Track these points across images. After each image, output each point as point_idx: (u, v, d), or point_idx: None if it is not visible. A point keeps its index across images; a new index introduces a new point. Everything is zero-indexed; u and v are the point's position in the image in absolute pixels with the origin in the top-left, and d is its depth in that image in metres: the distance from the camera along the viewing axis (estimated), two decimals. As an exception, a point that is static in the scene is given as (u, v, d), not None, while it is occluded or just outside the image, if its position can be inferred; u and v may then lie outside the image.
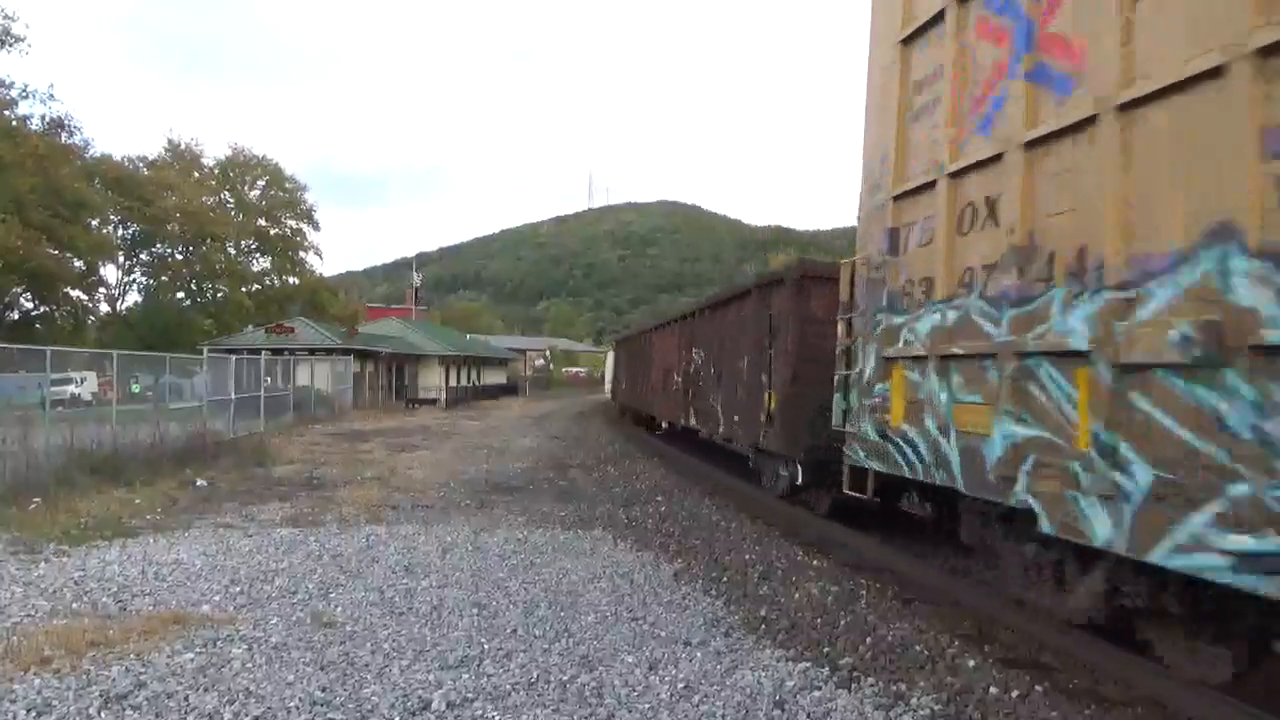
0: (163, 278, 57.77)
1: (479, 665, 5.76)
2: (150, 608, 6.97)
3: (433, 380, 49.55)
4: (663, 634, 6.57)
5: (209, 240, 57.42)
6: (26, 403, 15.87)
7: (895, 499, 9.57)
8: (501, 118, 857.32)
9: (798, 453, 10.84)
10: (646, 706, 5.10)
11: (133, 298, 57.92)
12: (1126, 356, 4.77)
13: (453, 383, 52.53)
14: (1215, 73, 4.36)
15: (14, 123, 41.81)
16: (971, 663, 5.64)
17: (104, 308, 54.88)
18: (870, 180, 8.06)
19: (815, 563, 8.71)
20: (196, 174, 61.38)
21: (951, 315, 6.52)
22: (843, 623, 6.68)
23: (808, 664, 5.86)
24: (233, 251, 61.02)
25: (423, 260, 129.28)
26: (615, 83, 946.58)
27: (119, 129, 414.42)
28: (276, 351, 32.03)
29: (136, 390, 21.94)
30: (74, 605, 6.99)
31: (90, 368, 27.09)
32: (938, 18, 6.95)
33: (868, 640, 6.23)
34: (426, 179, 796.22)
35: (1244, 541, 4.03)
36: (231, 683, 5.30)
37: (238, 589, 7.61)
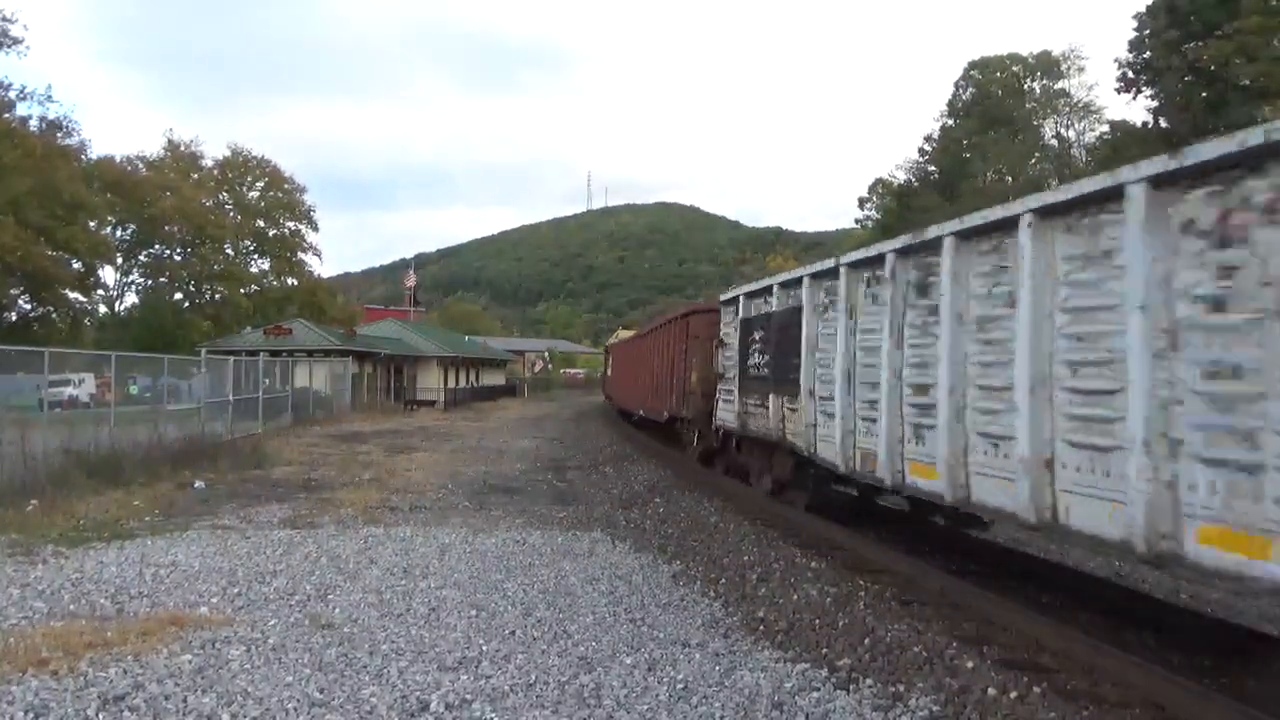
0: (161, 279, 57.73)
1: (477, 666, 5.76)
2: (148, 609, 6.96)
3: (431, 382, 49.48)
4: (661, 635, 6.58)
5: (207, 241, 57.41)
6: (24, 404, 15.87)
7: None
8: (500, 119, 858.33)
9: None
10: (645, 707, 5.09)
11: (130, 299, 57.97)
12: None
13: (451, 384, 52.47)
14: None
15: (13, 124, 41.76)
16: (970, 664, 5.63)
17: (102, 309, 54.92)
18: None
19: (813, 564, 8.70)
20: (195, 175, 61.36)
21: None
22: (841, 624, 6.67)
23: (806, 665, 5.87)
24: (231, 253, 60.99)
25: (422, 261, 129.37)
26: (614, 84, 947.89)
27: (118, 131, 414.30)
28: (275, 353, 31.99)
29: (134, 392, 21.95)
30: (71, 607, 6.98)
31: (88, 369, 27.05)
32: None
33: (866, 641, 6.23)
34: (426, 180, 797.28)
35: None
36: (230, 684, 5.30)
37: (236, 590, 7.61)
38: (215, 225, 57.61)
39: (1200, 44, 32.66)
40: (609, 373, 41.11)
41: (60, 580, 7.77)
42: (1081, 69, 56.33)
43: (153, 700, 5.00)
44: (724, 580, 8.31)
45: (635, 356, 26.44)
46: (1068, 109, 55.92)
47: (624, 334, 56.84)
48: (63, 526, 10.27)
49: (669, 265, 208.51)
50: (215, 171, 63.25)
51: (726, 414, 13.04)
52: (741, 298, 12.44)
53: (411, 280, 74.52)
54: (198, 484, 14.08)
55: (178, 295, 58.57)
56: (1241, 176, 4.25)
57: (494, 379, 65.61)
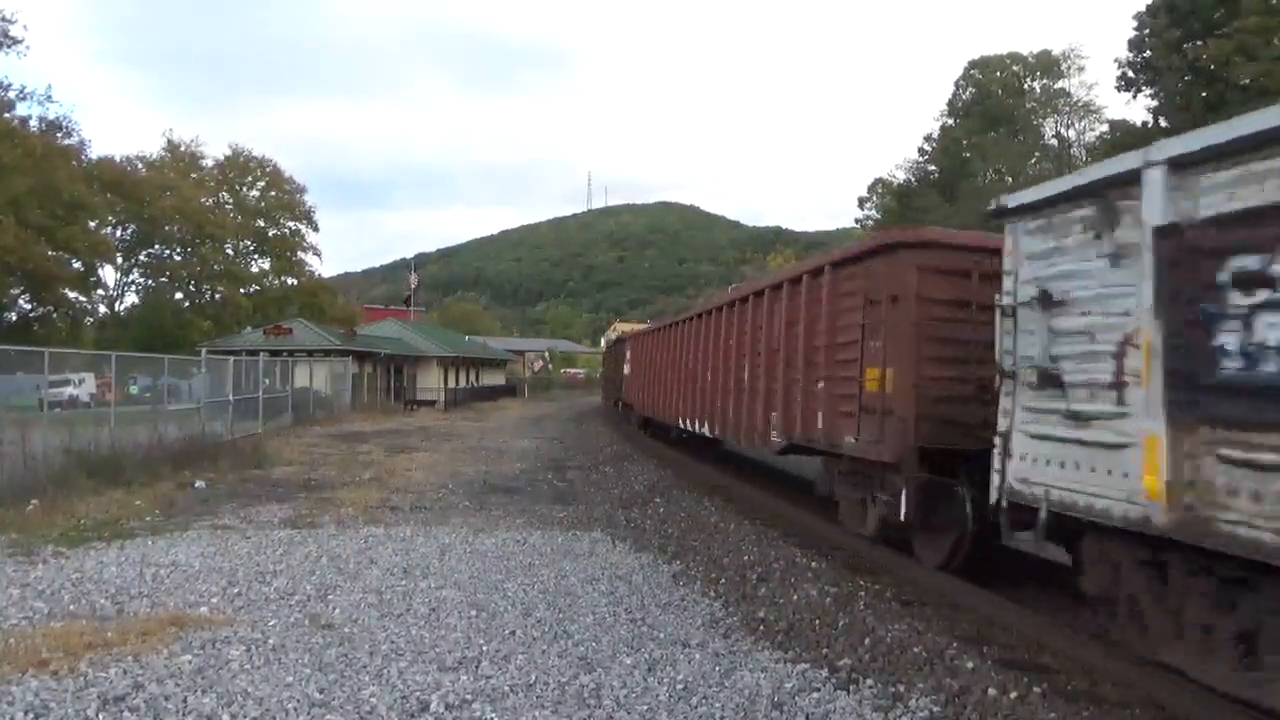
0: (161, 279, 57.72)
1: (477, 667, 5.76)
2: (148, 609, 6.96)
3: (431, 382, 49.48)
4: (661, 635, 6.57)
5: (207, 241, 57.43)
6: (24, 404, 15.87)
7: None
8: (500, 119, 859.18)
9: None
10: (645, 708, 5.09)
11: (131, 299, 57.96)
12: None
13: (451, 384, 52.47)
14: None
15: (13, 124, 41.75)
16: (970, 664, 5.64)
17: (102, 309, 54.91)
18: None
19: (813, 564, 8.70)
20: (195, 174, 61.38)
21: None
22: (841, 624, 6.68)
23: (806, 665, 5.86)
24: (231, 252, 61.00)
25: (421, 261, 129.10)
26: (614, 84, 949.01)
27: (118, 131, 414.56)
28: (275, 353, 31.99)
29: (135, 391, 21.95)
30: (71, 607, 6.98)
31: (88, 369, 27.06)
32: None
33: (866, 641, 6.23)
34: (426, 180, 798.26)
35: None
36: (230, 684, 5.29)
37: (236, 590, 7.60)
38: (215, 225, 57.62)
39: (1200, 43, 32.67)
40: (626, 372, 28.76)
41: (60, 580, 7.77)
42: (1081, 69, 56.37)
43: (153, 701, 5.00)
44: (724, 580, 8.31)
45: (692, 346, 16.97)
46: (1068, 109, 55.91)
47: (624, 327, 51.58)
48: (63, 526, 10.27)
49: (669, 265, 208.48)
50: (215, 171, 63.29)
51: (1084, 474, 5.63)
52: (1161, 173, 5.08)
53: (414, 281, 74.44)
54: (198, 484, 14.08)
55: (178, 295, 58.58)
56: None
57: (494, 379, 65.61)
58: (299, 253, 64.84)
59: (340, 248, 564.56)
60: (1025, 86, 57.74)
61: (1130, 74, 37.72)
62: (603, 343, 59.13)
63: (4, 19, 40.87)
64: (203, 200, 58.76)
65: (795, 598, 7.46)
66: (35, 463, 12.62)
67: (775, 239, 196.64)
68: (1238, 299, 4.58)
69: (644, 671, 5.72)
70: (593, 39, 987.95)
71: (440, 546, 9.74)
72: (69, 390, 26.10)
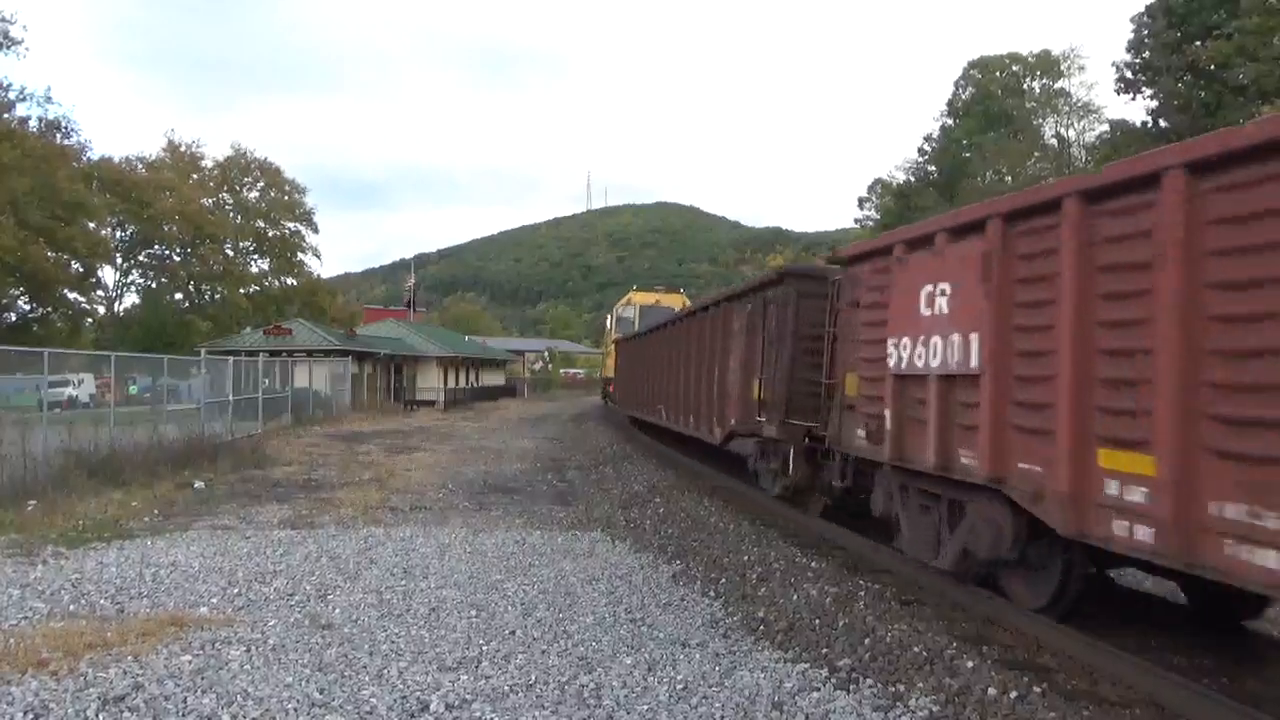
0: (161, 279, 57.74)
1: (477, 667, 5.76)
2: (148, 610, 6.96)
3: (431, 382, 49.47)
4: (661, 635, 6.57)
5: (207, 241, 57.44)
6: (24, 404, 15.88)
7: None
8: (501, 120, 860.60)
9: None
10: (645, 708, 5.09)
11: (130, 299, 57.98)
12: None
13: (451, 384, 52.48)
14: None
15: (12, 125, 41.76)
16: (970, 664, 5.63)
17: (101, 309, 54.88)
18: None
19: (813, 564, 8.69)
20: (195, 175, 61.38)
21: None
22: (841, 624, 6.67)
23: (806, 665, 5.86)
24: (231, 253, 61.01)
25: (421, 262, 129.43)
26: (614, 84, 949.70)
27: (118, 131, 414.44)
28: (274, 353, 32.00)
29: (134, 392, 21.98)
30: (71, 607, 6.98)
31: (88, 369, 27.08)
32: None
33: (866, 641, 6.22)
34: (426, 181, 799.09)
35: None
36: (229, 684, 5.29)
37: (235, 591, 7.60)
38: (215, 226, 57.62)
39: (1199, 44, 32.69)
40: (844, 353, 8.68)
41: (60, 580, 7.77)
42: (1082, 68, 56.35)
43: (152, 701, 4.99)
44: (724, 580, 8.31)
45: None
46: (1067, 109, 55.86)
47: (639, 299, 35.68)
48: (63, 527, 10.27)
49: (669, 265, 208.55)
50: (215, 172, 63.30)
51: None
52: None
53: (410, 281, 74.41)
54: (198, 484, 14.08)
55: (177, 295, 58.59)
56: None
57: (494, 379, 65.58)
58: (298, 253, 64.91)
59: (340, 248, 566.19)
60: (1025, 87, 57.71)
61: (1129, 76, 37.75)
62: (610, 319, 40.18)
63: (4, 19, 40.93)
64: (203, 201, 58.76)
65: (795, 598, 7.46)
66: (35, 463, 12.64)
67: (775, 239, 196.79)
68: None
69: (644, 671, 5.72)
70: (593, 40, 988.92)
71: (440, 546, 9.74)
72: (68, 390, 26.14)
